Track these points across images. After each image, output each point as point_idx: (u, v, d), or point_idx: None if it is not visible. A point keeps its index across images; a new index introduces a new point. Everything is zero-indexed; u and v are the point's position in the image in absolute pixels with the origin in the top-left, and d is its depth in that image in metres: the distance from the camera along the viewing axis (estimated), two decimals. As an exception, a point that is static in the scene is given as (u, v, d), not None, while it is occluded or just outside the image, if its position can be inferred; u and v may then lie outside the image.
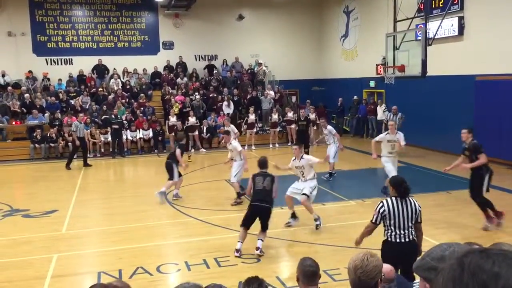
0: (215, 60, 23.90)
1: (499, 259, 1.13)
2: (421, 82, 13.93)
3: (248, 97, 21.24)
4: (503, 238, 7.48)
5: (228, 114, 20.36)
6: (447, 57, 15.53)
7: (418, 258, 1.94)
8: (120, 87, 21.11)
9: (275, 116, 19.81)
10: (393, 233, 5.21)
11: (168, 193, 11.37)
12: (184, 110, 19.64)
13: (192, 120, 18.88)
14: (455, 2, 15.09)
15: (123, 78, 22.16)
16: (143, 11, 22.98)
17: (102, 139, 18.26)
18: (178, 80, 22.25)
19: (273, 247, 8.18)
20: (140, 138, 18.81)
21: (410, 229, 5.20)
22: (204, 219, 9.55)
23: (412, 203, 5.27)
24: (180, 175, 11.42)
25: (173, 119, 18.62)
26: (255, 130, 19.68)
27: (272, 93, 21.58)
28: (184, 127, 18.52)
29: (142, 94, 20.67)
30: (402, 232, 5.18)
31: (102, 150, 18.27)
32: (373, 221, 5.35)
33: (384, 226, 5.32)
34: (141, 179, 14.69)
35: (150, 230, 9.12)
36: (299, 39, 24.78)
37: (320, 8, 25.07)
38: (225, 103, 20.55)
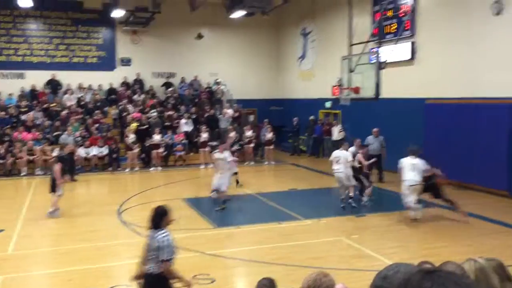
0: (173, 78, 23.80)
1: (439, 281, 1.23)
2: (375, 104, 14.34)
3: (205, 115, 21.21)
4: (452, 257, 7.72)
5: (186, 132, 20.28)
6: (400, 80, 16.07)
7: None
8: (74, 103, 20.63)
9: (232, 135, 19.83)
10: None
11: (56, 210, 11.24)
12: (141, 127, 19.42)
13: (157, 137, 18.80)
14: (407, 28, 15.71)
15: (78, 94, 21.68)
16: (100, 26, 22.66)
17: (54, 155, 17.66)
18: (135, 97, 21.99)
19: (229, 267, 8.12)
20: (94, 155, 18.38)
21: (151, 261, 4.98)
22: (159, 239, 9.36)
23: (157, 236, 4.97)
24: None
25: (132, 136, 18.40)
26: (207, 148, 19.60)
27: (230, 111, 21.64)
28: (148, 144, 18.73)
29: (97, 111, 20.27)
30: (147, 262, 5.04)
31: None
32: None
33: None
34: (93, 198, 14.30)
35: (102, 251, 8.86)
36: (257, 59, 25.07)
37: (278, 29, 25.51)
38: (184, 120, 20.45)
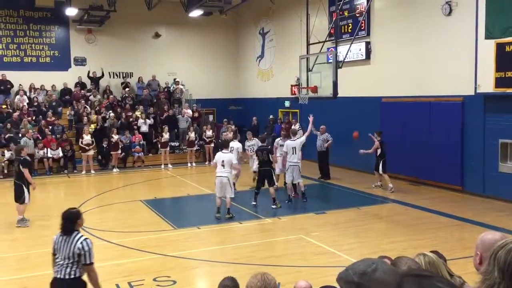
0: (130, 77, 23.36)
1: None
2: (333, 102, 14.54)
3: (164, 115, 20.95)
4: (408, 251, 7.93)
5: (144, 132, 19.95)
6: (356, 79, 16.38)
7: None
8: (26, 104, 19.92)
9: (192, 135, 19.68)
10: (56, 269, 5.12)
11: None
12: (97, 128, 18.98)
13: (116, 138, 18.40)
14: (362, 28, 16.02)
15: (30, 95, 20.96)
16: (53, 25, 21.98)
17: (6, 158, 16.99)
18: (91, 97, 21.45)
19: (190, 268, 8.06)
20: (48, 157, 17.81)
21: (66, 267, 5.02)
22: (118, 242, 9.19)
23: (75, 241, 4.95)
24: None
25: (87, 138, 17.93)
26: (168, 148, 19.38)
27: (189, 111, 21.47)
28: (106, 145, 18.31)
29: (50, 112, 19.65)
30: (58, 268, 5.07)
31: (5, 170, 16.97)
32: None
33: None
34: (48, 202, 13.86)
35: (59, 256, 8.58)
36: (216, 59, 24.95)
37: (237, 28, 25.50)
38: (141, 121, 20.13)
